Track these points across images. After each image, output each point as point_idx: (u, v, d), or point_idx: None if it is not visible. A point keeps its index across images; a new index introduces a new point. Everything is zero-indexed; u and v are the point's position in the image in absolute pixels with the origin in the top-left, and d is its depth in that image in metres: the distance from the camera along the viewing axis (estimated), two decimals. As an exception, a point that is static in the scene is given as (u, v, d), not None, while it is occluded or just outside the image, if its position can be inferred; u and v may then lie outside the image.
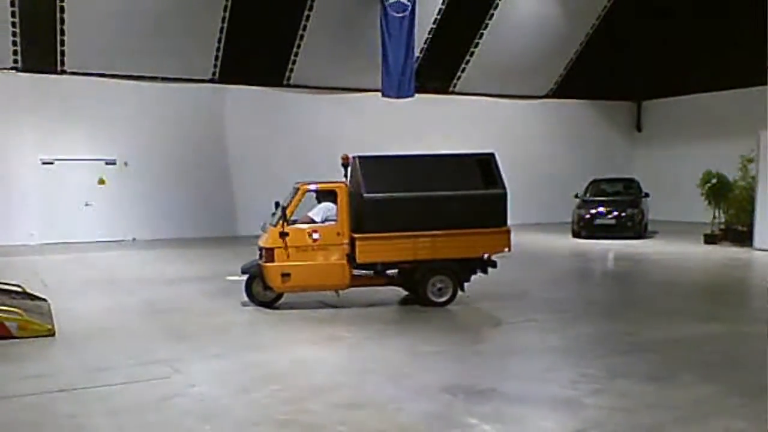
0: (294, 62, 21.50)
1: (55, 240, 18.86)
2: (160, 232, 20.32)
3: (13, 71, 18.49)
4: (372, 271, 10.48)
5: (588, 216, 20.64)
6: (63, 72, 18.93)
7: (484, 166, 10.66)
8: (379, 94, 20.12)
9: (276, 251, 9.95)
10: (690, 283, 13.47)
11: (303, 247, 10.02)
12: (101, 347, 8.27)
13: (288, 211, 10.02)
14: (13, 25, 17.65)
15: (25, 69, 18.57)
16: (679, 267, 15.10)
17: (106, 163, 20.01)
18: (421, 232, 10.17)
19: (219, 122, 21.26)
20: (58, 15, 17.89)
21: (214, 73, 20.73)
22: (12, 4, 17.32)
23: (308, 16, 20.48)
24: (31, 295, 10.26)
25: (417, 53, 21.19)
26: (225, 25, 19.70)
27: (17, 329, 8.43)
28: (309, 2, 20.19)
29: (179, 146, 20.64)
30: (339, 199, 10.18)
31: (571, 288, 13.16)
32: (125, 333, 9.06)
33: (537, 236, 20.76)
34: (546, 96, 26.70)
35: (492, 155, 10.83)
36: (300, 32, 20.77)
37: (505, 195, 10.52)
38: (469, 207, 10.32)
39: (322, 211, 10.30)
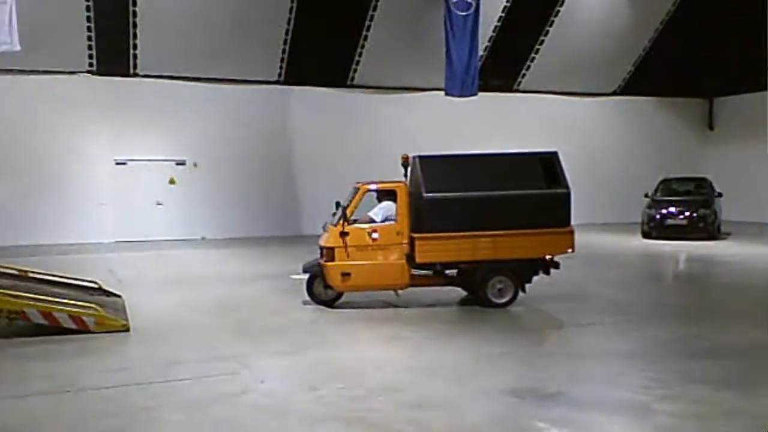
0: (358, 63, 21.65)
1: (128, 238, 19.49)
2: (229, 231, 20.77)
3: (89, 74, 19.19)
4: (431, 271, 10.47)
5: (658, 216, 20.10)
6: (136, 75, 19.55)
7: (546, 165, 10.48)
8: (443, 93, 20.05)
9: (336, 250, 10.04)
10: (766, 286, 12.98)
11: (363, 247, 10.08)
12: (173, 343, 8.52)
13: (348, 211, 10.09)
14: (89, 29, 18.31)
15: (100, 72, 19.26)
16: (755, 270, 14.55)
17: (177, 164, 20.57)
18: (482, 232, 10.12)
19: (284, 123, 21.58)
20: (131, 20, 18.48)
21: (279, 74, 21.06)
22: (87, 9, 17.97)
23: (372, 17, 20.59)
24: (107, 291, 10.64)
25: (481, 51, 21.03)
26: (290, 27, 19.98)
27: (94, 324, 8.76)
28: (373, 2, 20.30)
29: (246, 147, 21.05)
30: (399, 199, 10.20)
31: (640, 290, 12.83)
32: (195, 329, 9.30)
33: (604, 237, 20.33)
34: (613, 93, 26.12)
35: (555, 154, 10.66)
36: (364, 33, 20.90)
37: (568, 194, 10.32)
38: (530, 207, 10.18)
39: (382, 210, 10.36)
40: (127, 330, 8.93)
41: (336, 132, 22.00)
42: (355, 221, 10.23)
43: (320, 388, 6.59)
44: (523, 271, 10.43)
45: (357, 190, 10.40)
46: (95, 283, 10.76)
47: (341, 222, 10.01)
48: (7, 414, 6.02)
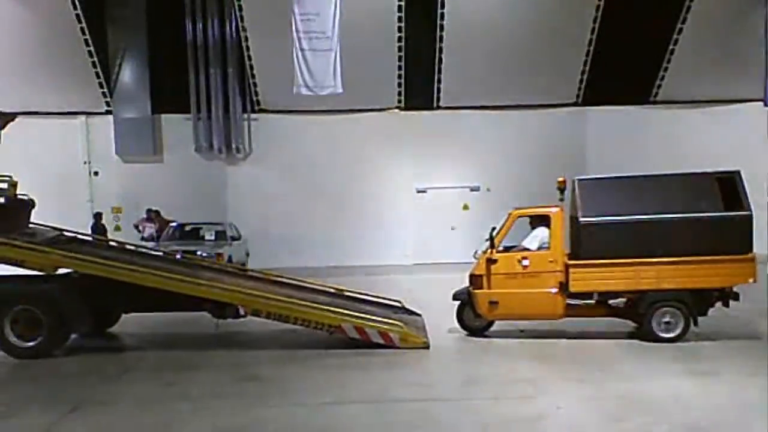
0: (662, 78, 20.45)
1: (425, 260, 20.55)
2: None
3: (397, 110, 20.74)
4: (593, 301, 9.76)
5: None
6: (438, 107, 20.67)
7: (725, 186, 9.42)
8: (761, 104, 18.01)
9: (483, 278, 9.71)
10: None
11: (512, 275, 9.66)
12: (470, 362, 8.79)
13: (497, 238, 9.72)
14: (399, 68, 19.83)
15: (407, 108, 20.71)
16: None
17: (471, 190, 21.29)
18: (645, 258, 9.26)
19: (582, 144, 21.13)
20: (437, 56, 19.63)
21: (577, 96, 20.74)
22: (399, 50, 19.48)
23: (680, 29, 19.35)
24: (409, 310, 11.32)
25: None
26: (591, 48, 19.61)
27: (399, 340, 9.42)
28: (683, 15, 19.08)
29: (538, 171, 20.96)
30: (552, 225, 9.66)
31: None
32: (490, 350, 9.46)
33: None
34: None
35: (736, 173, 9.50)
36: (671, 47, 19.72)
37: (749, 218, 9.20)
38: (703, 231, 9.25)
39: (537, 238, 9.82)
40: (427, 347, 9.41)
41: (636, 151, 20.89)
42: (508, 249, 9.83)
43: (625, 420, 6.28)
44: (695, 302, 9.39)
45: (509, 215, 9.98)
46: (398, 302, 11.49)
47: (489, 249, 9.69)
48: (330, 418, 6.72)
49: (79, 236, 11.60)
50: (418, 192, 21.24)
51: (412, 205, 21.09)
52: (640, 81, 20.62)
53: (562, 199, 9.97)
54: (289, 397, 7.42)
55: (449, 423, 6.38)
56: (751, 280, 9.35)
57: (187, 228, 17.04)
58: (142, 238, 16.83)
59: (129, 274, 9.47)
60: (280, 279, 11.41)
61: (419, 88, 20.32)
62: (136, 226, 17.61)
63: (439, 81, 20.11)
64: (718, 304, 9.62)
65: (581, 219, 9.56)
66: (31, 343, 9.27)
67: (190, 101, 19.61)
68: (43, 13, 17.95)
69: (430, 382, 7.91)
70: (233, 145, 19.99)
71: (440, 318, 10.73)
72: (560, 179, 10.00)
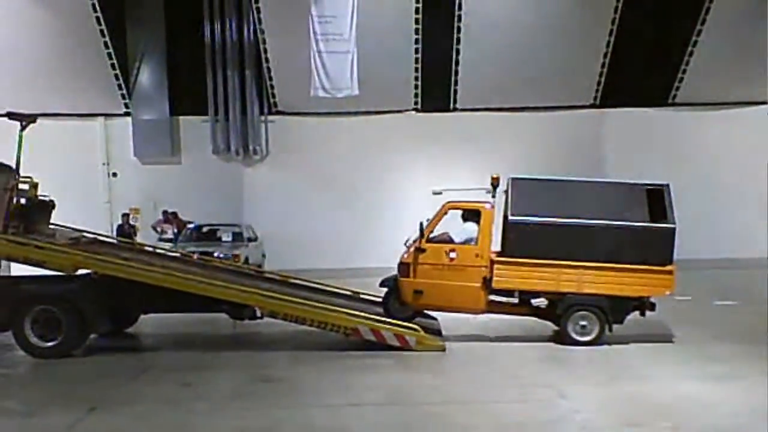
0: (681, 80, 20.29)
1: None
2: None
3: (413, 112, 20.73)
4: (517, 300, 9.90)
5: None
6: (455, 109, 20.62)
7: (654, 197, 9.56)
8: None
9: (411, 267, 9.76)
10: None
11: (438, 266, 9.72)
12: (486, 365, 8.75)
13: (427, 228, 9.82)
14: (416, 70, 19.83)
15: (423, 109, 20.68)
16: None
17: (487, 192, 21.13)
18: (568, 261, 9.34)
19: (597, 146, 21.00)
20: (453, 58, 19.60)
21: (595, 98, 20.62)
22: (416, 52, 19.47)
23: (699, 31, 19.19)
24: (424, 313, 11.23)
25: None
26: (609, 49, 19.50)
27: (415, 343, 9.41)
28: (702, 16, 18.92)
29: (555, 172, 20.78)
30: (482, 220, 9.78)
31: None
32: (505, 354, 9.37)
33: None
34: None
35: (666, 186, 9.68)
36: (690, 48, 19.56)
37: (672, 231, 9.33)
38: (627, 240, 9.34)
39: (464, 232, 9.93)
40: (443, 350, 9.39)
41: (652, 153, 20.75)
42: (433, 239, 9.87)
43: (644, 425, 6.24)
44: (612, 309, 9.46)
45: (443, 207, 10.14)
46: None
47: (419, 238, 9.76)
48: (347, 420, 6.72)
49: (99, 237, 11.72)
50: (434, 194, 21.19)
51: (426, 207, 21.04)
52: (659, 82, 20.48)
53: (494, 196, 10.15)
54: (306, 398, 7.44)
55: (464, 425, 6.36)
56: (668, 292, 9.48)
57: (204, 229, 17.16)
58: (160, 239, 16.96)
59: (148, 275, 9.55)
60: (296, 281, 11.45)
61: (436, 90, 20.30)
62: (154, 228, 17.75)
63: (455, 83, 20.08)
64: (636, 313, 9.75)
65: (509, 217, 9.72)
66: (50, 343, 9.36)
67: (207, 103, 19.69)
68: (64, 17, 18.12)
69: (445, 384, 7.91)
70: (250, 147, 20.06)
71: (456, 320, 10.70)
72: (494, 176, 10.20)
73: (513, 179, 10.09)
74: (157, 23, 19.37)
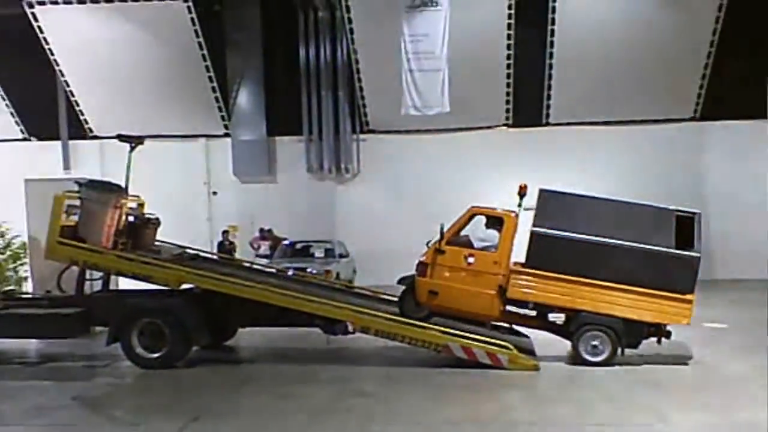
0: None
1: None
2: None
3: (505, 128, 20.56)
4: (533, 312, 9.74)
5: None
6: (548, 124, 20.32)
7: (683, 224, 9.36)
8: None
9: (429, 267, 9.67)
10: None
11: (456, 269, 9.62)
12: (585, 386, 8.54)
13: (448, 231, 9.64)
14: (507, 86, 19.71)
15: (515, 125, 20.49)
16: None
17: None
18: (586, 279, 9.20)
19: (696, 161, 20.21)
20: (546, 72, 19.38)
21: (695, 111, 19.89)
22: (508, 68, 19.35)
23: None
24: (517, 331, 11.10)
25: None
26: (709, 61, 18.83)
27: (507, 362, 9.30)
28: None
29: (651, 188, 20.13)
30: (504, 228, 9.67)
31: None
32: (604, 374, 9.12)
33: None
34: None
35: (697, 214, 9.49)
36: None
37: (697, 260, 9.08)
38: (649, 264, 9.17)
39: (486, 237, 9.80)
40: (537, 369, 9.26)
41: (755, 168, 19.74)
42: (453, 242, 9.73)
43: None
44: (626, 332, 9.22)
45: (467, 211, 10.03)
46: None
47: (439, 240, 9.61)
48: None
49: (200, 253, 12.23)
50: (526, 210, 20.92)
51: (520, 223, 20.81)
52: (762, 94, 19.55)
53: (520, 205, 9.98)
54: (398, 415, 7.48)
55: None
56: (685, 322, 9.11)
57: (298, 246, 17.61)
58: (257, 255, 17.51)
59: (247, 290, 9.89)
60: (387, 296, 11.56)
61: (528, 105, 20.15)
62: (251, 244, 18.35)
63: (548, 97, 19.85)
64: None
65: (533, 228, 9.54)
66: (155, 355, 9.77)
67: (302, 123, 20.30)
68: (170, 44, 19.15)
69: (544, 404, 7.79)
70: (342, 165, 20.51)
71: (549, 337, 10.51)
72: (522, 185, 10.03)
73: (542, 190, 9.98)
74: (255, 47, 20.15)
